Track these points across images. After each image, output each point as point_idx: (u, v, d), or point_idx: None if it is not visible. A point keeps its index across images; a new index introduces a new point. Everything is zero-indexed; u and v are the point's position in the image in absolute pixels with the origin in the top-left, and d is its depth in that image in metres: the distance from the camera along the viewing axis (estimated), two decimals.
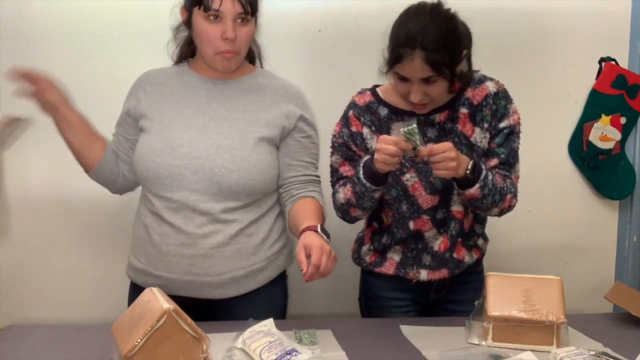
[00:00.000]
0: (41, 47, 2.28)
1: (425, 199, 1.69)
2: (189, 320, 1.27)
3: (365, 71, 2.40)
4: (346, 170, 1.73)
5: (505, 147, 1.68)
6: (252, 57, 1.78)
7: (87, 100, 2.30)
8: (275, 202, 1.73)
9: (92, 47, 2.29)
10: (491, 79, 1.70)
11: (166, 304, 1.26)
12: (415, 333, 1.58)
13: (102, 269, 2.40)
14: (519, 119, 1.70)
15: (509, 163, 1.69)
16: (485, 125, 1.66)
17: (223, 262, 1.62)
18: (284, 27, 2.34)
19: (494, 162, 1.68)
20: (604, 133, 2.58)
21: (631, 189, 2.63)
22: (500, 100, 1.66)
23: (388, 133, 1.68)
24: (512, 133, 1.68)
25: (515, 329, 1.49)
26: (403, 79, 1.57)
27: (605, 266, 2.68)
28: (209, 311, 1.64)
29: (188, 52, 1.75)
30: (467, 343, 1.51)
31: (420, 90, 1.56)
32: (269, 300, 1.72)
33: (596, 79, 2.55)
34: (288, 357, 1.29)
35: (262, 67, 1.79)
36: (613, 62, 2.54)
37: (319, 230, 1.53)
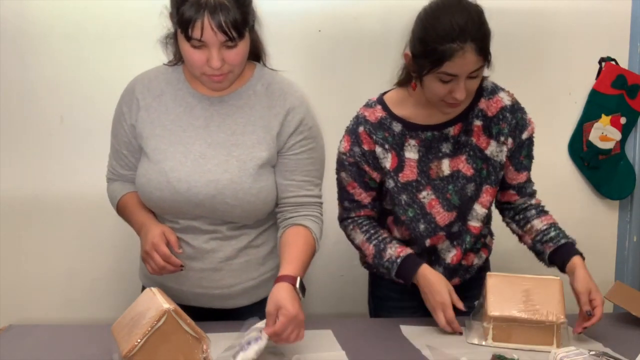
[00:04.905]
0: (41, 47, 2.28)
1: (443, 216, 1.65)
2: (189, 320, 1.27)
3: (366, 71, 2.42)
4: (357, 192, 1.67)
5: (528, 157, 1.70)
6: (255, 52, 1.59)
7: (87, 100, 2.33)
8: None
9: (92, 47, 2.29)
10: (502, 89, 1.66)
11: (166, 304, 1.26)
12: (415, 333, 1.57)
13: (102, 269, 2.40)
14: (534, 126, 1.69)
15: (530, 171, 1.72)
16: (502, 138, 1.63)
17: (232, 274, 1.58)
18: (284, 27, 2.33)
19: (524, 175, 1.70)
20: (604, 133, 2.58)
21: (631, 189, 2.63)
22: (518, 113, 1.64)
23: (402, 149, 1.63)
24: (532, 142, 1.69)
25: (515, 329, 1.49)
26: (446, 79, 1.47)
27: (605, 266, 2.68)
28: (222, 319, 1.62)
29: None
30: (467, 343, 1.51)
31: (465, 88, 1.49)
32: None
33: (596, 79, 2.55)
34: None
35: (264, 64, 1.61)
36: (613, 62, 2.54)
37: (297, 286, 1.39)
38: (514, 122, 1.63)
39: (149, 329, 1.22)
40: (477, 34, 1.45)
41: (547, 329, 1.47)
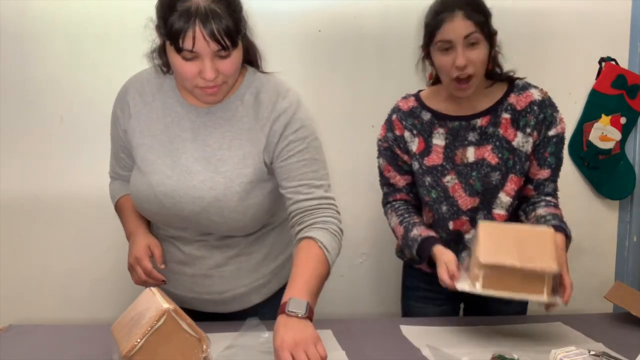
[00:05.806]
0: (41, 47, 2.28)
1: (465, 200, 1.71)
2: (189, 320, 1.27)
3: (365, 71, 2.42)
4: (392, 176, 1.81)
5: (555, 156, 1.72)
6: (248, 58, 1.53)
7: (87, 100, 2.33)
8: (279, 217, 1.62)
9: (92, 47, 2.30)
10: (535, 87, 1.72)
11: (166, 304, 1.26)
12: (415, 333, 1.58)
13: (102, 269, 2.40)
14: (565, 126, 1.73)
15: (556, 172, 1.75)
16: (528, 130, 1.68)
17: (223, 281, 1.58)
18: (284, 27, 2.34)
19: (546, 172, 1.72)
20: (604, 133, 2.58)
21: (631, 189, 2.63)
22: (547, 109, 1.69)
23: (430, 137, 1.73)
24: (561, 141, 1.72)
25: (506, 277, 1.44)
26: (446, 48, 1.60)
27: (605, 266, 2.68)
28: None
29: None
30: (457, 289, 1.49)
31: (465, 55, 1.59)
32: (276, 309, 1.62)
33: (596, 79, 2.55)
34: None
35: (260, 69, 1.56)
36: (613, 62, 2.54)
37: (287, 310, 1.32)
38: (541, 116, 1.68)
39: (149, 328, 1.21)
40: (466, 3, 1.59)
41: (537, 278, 1.42)
